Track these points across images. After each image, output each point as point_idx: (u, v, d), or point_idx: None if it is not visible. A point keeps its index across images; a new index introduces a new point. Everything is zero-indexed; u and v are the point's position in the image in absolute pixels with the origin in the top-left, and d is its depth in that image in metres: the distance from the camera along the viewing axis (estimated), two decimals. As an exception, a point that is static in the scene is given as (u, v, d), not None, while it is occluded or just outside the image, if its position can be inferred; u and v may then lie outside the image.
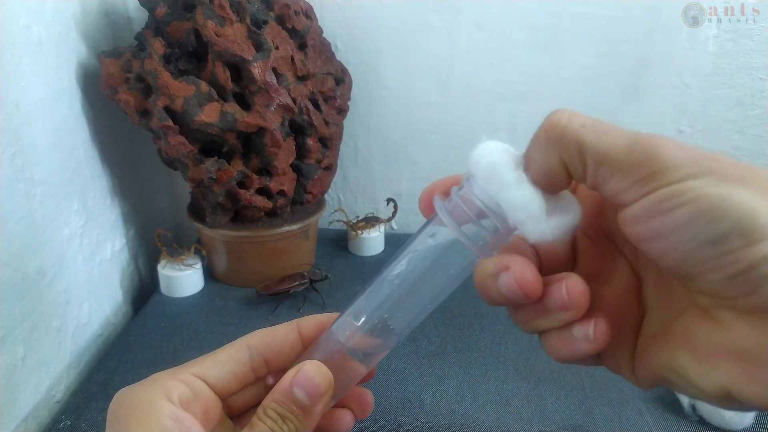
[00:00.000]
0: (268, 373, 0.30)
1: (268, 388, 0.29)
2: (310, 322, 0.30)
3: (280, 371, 0.28)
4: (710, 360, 0.20)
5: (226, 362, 0.28)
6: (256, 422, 0.26)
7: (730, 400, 0.19)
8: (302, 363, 0.27)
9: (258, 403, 0.30)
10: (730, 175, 0.18)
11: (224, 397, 0.29)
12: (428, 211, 0.25)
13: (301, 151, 0.59)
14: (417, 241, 0.26)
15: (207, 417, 0.27)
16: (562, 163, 0.21)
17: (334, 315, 0.29)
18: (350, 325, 0.27)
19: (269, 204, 0.58)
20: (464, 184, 0.24)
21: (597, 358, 0.25)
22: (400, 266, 0.26)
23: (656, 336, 0.22)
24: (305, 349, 0.30)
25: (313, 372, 0.26)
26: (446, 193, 0.25)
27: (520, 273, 0.22)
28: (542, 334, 0.24)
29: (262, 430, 0.25)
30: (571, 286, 0.22)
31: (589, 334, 0.22)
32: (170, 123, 0.51)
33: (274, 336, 0.30)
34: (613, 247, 0.25)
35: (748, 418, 0.43)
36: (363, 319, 0.27)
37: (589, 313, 0.22)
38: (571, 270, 0.26)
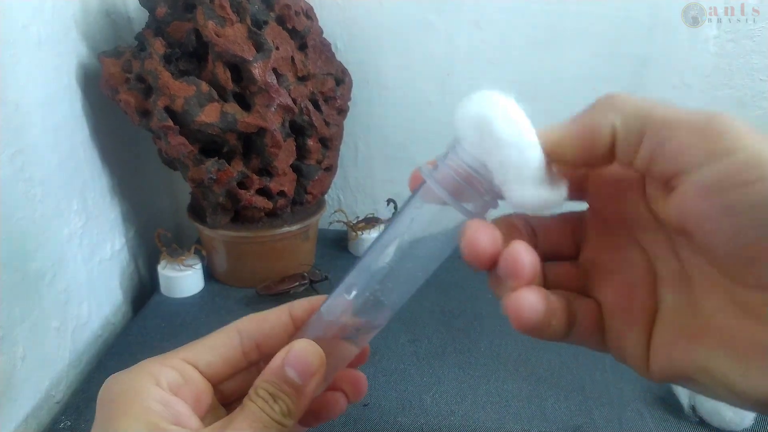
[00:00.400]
0: (260, 358, 0.29)
1: (259, 370, 0.29)
2: (302, 304, 0.30)
3: (273, 355, 0.27)
4: (758, 364, 0.18)
5: (217, 347, 0.28)
6: (248, 403, 0.25)
7: None
8: (293, 342, 0.26)
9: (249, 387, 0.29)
10: None
11: (215, 383, 0.28)
12: (416, 184, 0.25)
13: (302, 152, 0.59)
14: (405, 211, 0.25)
15: (198, 403, 0.27)
16: (612, 129, 0.20)
17: (325, 296, 0.29)
18: (341, 301, 0.27)
19: (269, 204, 0.58)
20: (449, 151, 0.23)
21: (600, 342, 0.24)
22: (389, 237, 0.25)
23: (684, 334, 0.21)
24: (297, 331, 0.29)
25: (304, 350, 0.26)
26: (434, 165, 0.24)
27: (471, 236, 0.22)
28: None
29: (253, 411, 0.25)
30: (508, 253, 0.21)
31: (506, 306, 0.22)
32: (170, 123, 0.51)
33: (265, 320, 0.29)
34: (628, 235, 0.24)
35: (748, 418, 0.42)
36: (354, 293, 0.26)
37: (532, 286, 0.22)
38: (574, 256, 0.26)
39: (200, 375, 0.27)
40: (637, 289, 0.23)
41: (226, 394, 0.29)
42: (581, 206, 0.26)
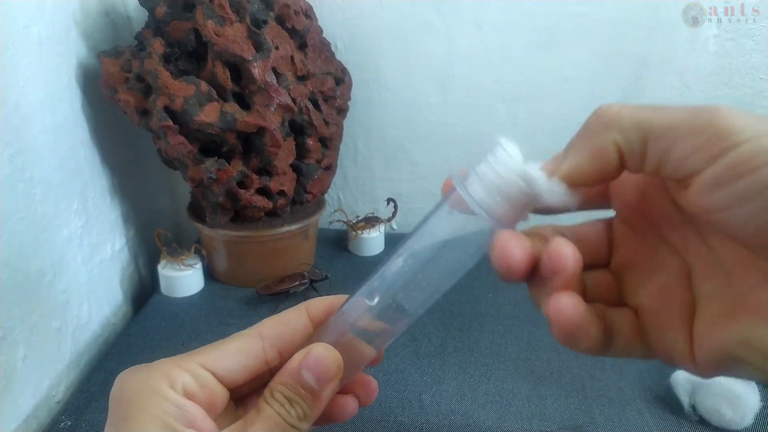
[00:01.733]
0: (280, 363, 0.29)
1: (273, 370, 0.28)
2: (319, 304, 0.30)
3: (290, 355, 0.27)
4: None
5: (237, 354, 0.27)
6: (263, 405, 0.25)
7: None
8: (311, 345, 0.26)
9: (261, 385, 0.29)
10: None
11: (232, 389, 0.28)
12: (448, 190, 0.25)
13: (301, 151, 0.59)
14: (433, 218, 0.25)
15: (212, 406, 0.26)
16: (616, 146, 0.21)
17: (343, 297, 0.29)
18: (363, 305, 0.27)
19: (269, 204, 0.58)
20: (482, 161, 0.24)
21: (644, 350, 0.24)
22: (415, 245, 0.25)
23: (723, 315, 0.21)
24: (315, 331, 0.29)
25: (323, 355, 0.25)
26: (465, 173, 0.24)
27: (503, 246, 0.22)
28: None
29: (270, 415, 0.25)
30: (551, 248, 0.22)
31: (549, 310, 0.22)
32: (170, 123, 0.51)
33: (287, 324, 0.29)
34: (657, 235, 0.24)
35: (747, 418, 0.43)
36: (377, 299, 0.26)
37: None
38: (605, 264, 0.26)
39: (216, 381, 0.27)
40: (672, 288, 0.23)
41: (234, 390, 0.29)
42: (608, 213, 0.26)
